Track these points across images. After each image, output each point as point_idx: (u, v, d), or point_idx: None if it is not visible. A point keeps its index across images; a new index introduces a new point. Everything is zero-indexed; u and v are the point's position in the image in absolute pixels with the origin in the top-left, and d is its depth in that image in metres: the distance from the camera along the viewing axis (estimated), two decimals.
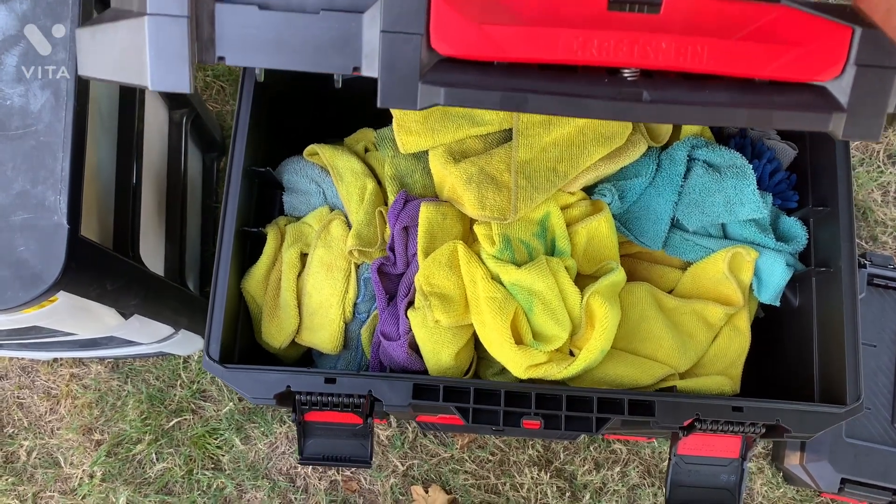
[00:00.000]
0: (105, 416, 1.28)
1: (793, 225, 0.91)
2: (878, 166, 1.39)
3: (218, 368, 0.77)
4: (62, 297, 0.76)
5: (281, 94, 0.94)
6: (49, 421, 1.28)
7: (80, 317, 0.86)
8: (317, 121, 1.03)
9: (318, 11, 0.50)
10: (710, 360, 0.90)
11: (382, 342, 0.85)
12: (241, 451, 1.27)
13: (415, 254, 0.85)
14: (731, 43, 0.50)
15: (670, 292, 0.92)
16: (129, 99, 0.94)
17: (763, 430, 0.77)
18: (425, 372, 0.85)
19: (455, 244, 0.83)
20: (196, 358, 1.29)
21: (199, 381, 1.29)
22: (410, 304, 0.85)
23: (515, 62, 0.52)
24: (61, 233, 0.73)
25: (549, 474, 1.26)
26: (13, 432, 1.28)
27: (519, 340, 0.81)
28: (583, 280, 0.87)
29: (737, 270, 0.89)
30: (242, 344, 0.87)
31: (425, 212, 0.84)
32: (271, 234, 0.91)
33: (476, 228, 0.84)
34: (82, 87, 0.76)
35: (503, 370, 0.85)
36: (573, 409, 0.77)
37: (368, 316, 0.89)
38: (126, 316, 0.94)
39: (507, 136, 0.86)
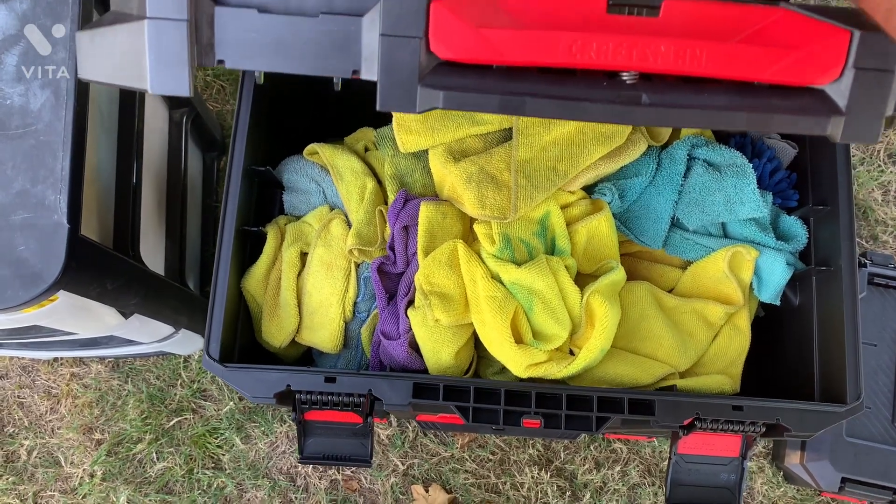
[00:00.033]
0: (105, 416, 1.28)
1: (793, 224, 0.91)
2: (879, 165, 1.39)
3: (218, 367, 0.77)
4: (62, 296, 0.76)
5: (281, 93, 0.94)
6: (49, 420, 1.28)
7: (81, 316, 0.86)
8: (317, 120, 1.03)
9: (318, 15, 0.50)
10: (710, 359, 0.89)
11: (382, 341, 0.85)
12: (242, 450, 1.27)
13: (415, 253, 0.85)
14: (730, 46, 0.50)
15: (670, 291, 0.92)
16: (130, 98, 0.94)
17: (763, 429, 0.77)
18: (425, 371, 0.85)
19: (455, 243, 0.83)
20: (196, 357, 1.29)
21: (199, 381, 1.29)
22: (410, 303, 0.85)
23: (514, 66, 0.52)
24: (61, 232, 0.73)
25: (549, 473, 1.26)
26: (14, 431, 1.28)
27: (519, 339, 0.81)
28: (583, 279, 0.87)
29: (737, 269, 0.89)
30: (242, 343, 0.87)
31: (425, 211, 0.84)
32: (271, 233, 0.91)
33: (476, 227, 0.84)
34: (82, 86, 0.76)
35: (503, 369, 0.85)
36: (573, 408, 0.77)
37: (368, 315, 0.89)
38: (126, 315, 0.94)
39: (507, 135, 0.86)
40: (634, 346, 0.87)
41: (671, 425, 0.77)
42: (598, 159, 0.84)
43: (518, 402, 0.77)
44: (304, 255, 0.91)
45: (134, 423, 1.27)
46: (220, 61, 0.51)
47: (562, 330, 0.81)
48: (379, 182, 0.92)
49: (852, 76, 0.50)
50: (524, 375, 0.81)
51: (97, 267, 0.80)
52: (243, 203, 0.85)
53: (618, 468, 1.26)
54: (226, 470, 1.26)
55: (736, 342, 0.89)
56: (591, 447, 1.27)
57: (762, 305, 0.96)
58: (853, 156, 1.38)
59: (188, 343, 1.20)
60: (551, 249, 0.86)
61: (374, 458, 1.25)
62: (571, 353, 0.84)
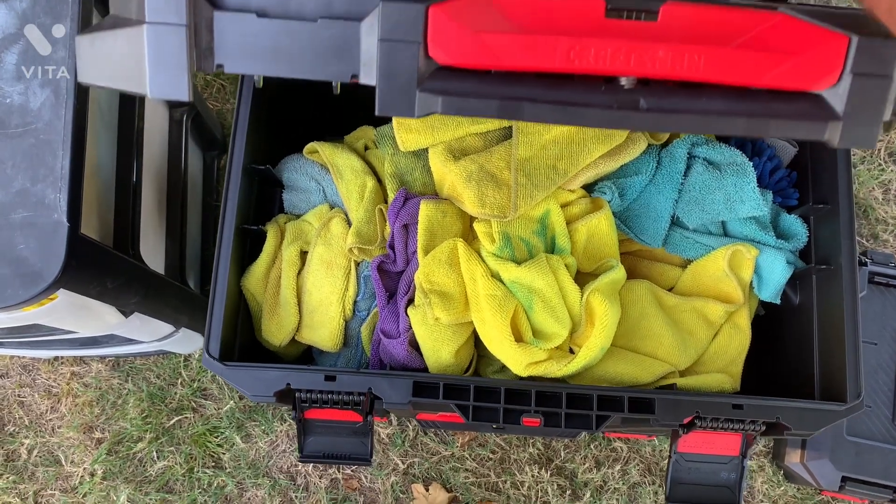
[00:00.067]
0: (106, 415, 1.28)
1: (793, 222, 0.91)
2: (879, 164, 1.39)
3: (218, 366, 0.77)
4: (62, 294, 0.76)
5: (281, 92, 0.94)
6: (50, 419, 1.28)
7: (81, 315, 0.86)
8: (317, 119, 1.03)
9: (317, 19, 0.50)
10: (710, 357, 0.89)
11: (382, 340, 0.85)
12: (242, 449, 1.27)
13: (415, 251, 0.85)
14: (728, 51, 0.50)
15: (670, 290, 0.92)
16: (130, 97, 0.94)
17: (763, 428, 0.77)
18: (425, 370, 0.85)
19: (455, 242, 0.83)
20: (197, 356, 1.29)
21: (199, 380, 1.29)
22: (410, 301, 0.85)
23: (512, 70, 0.52)
24: (61, 231, 0.73)
25: (549, 472, 1.26)
26: (14, 430, 1.28)
27: (519, 338, 0.81)
28: (583, 278, 0.87)
29: (737, 268, 0.89)
30: (242, 342, 0.87)
31: (425, 209, 0.84)
32: (271, 231, 0.91)
33: (476, 226, 0.84)
34: (82, 85, 0.76)
35: (503, 368, 0.85)
36: (573, 406, 0.77)
37: (368, 314, 0.89)
38: (126, 314, 0.94)
39: (506, 134, 0.86)
40: (634, 344, 0.87)
41: (671, 424, 0.77)
42: (598, 158, 0.84)
43: (518, 400, 0.77)
44: (303, 254, 0.91)
45: (134, 421, 1.27)
46: (220, 66, 0.51)
47: (562, 328, 0.81)
48: (379, 180, 0.92)
49: (850, 81, 0.50)
50: (524, 374, 0.81)
51: (97, 266, 0.80)
52: (243, 201, 0.85)
53: (618, 467, 1.26)
54: (226, 469, 1.26)
55: (736, 341, 0.89)
56: (592, 446, 1.27)
57: (762, 304, 0.96)
58: (853, 154, 1.38)
59: (188, 342, 1.20)
60: (551, 248, 0.86)
61: (374, 457, 1.25)
62: (571, 351, 0.84)
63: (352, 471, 1.26)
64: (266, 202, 0.98)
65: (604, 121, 0.52)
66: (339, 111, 0.97)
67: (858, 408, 0.78)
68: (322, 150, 0.92)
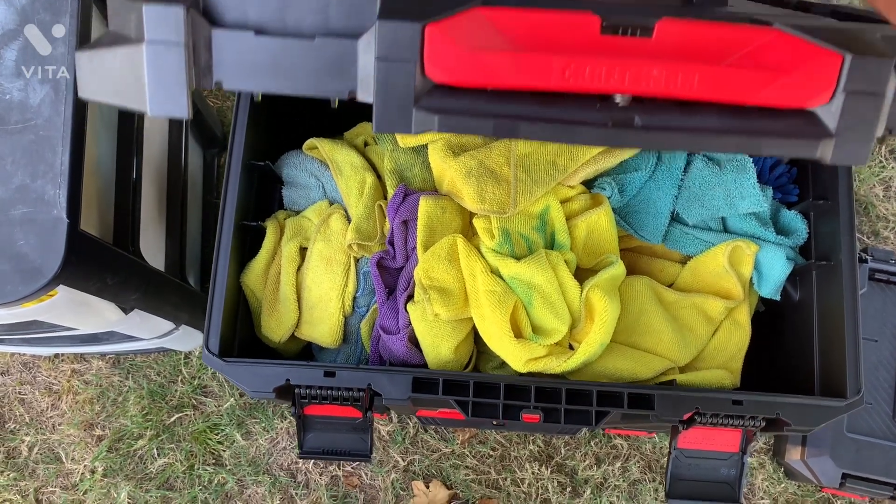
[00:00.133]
0: (106, 412, 1.28)
1: (793, 218, 0.91)
2: (880, 161, 1.39)
3: (217, 362, 0.77)
4: (62, 291, 0.76)
5: None
6: (50, 417, 1.29)
7: (80, 311, 0.86)
8: (316, 115, 1.02)
9: (314, 37, 0.51)
10: (710, 353, 0.89)
11: (382, 336, 0.85)
12: (242, 446, 1.27)
13: (414, 247, 0.85)
14: (723, 69, 0.50)
15: (670, 286, 0.92)
16: None
17: (763, 424, 0.77)
18: (425, 366, 0.85)
19: (454, 238, 0.83)
20: (197, 354, 1.29)
21: (199, 377, 1.29)
22: (410, 297, 0.85)
23: (508, 89, 0.52)
24: (61, 227, 0.73)
25: (549, 469, 1.26)
26: (15, 428, 1.28)
27: (518, 334, 0.81)
28: (582, 274, 0.87)
29: (737, 264, 0.89)
30: (242, 338, 0.87)
31: (424, 206, 0.84)
32: (271, 228, 0.91)
33: (475, 222, 0.84)
34: None
35: (503, 364, 0.85)
36: (573, 402, 0.77)
37: (368, 310, 0.89)
38: (126, 311, 0.94)
39: None
40: (634, 340, 0.87)
41: (671, 419, 0.77)
42: (598, 154, 0.83)
43: (517, 396, 0.77)
44: (303, 250, 0.91)
45: (135, 419, 1.27)
46: (218, 83, 0.52)
47: (561, 324, 0.81)
48: (378, 177, 0.92)
49: (843, 99, 0.50)
50: (523, 370, 0.81)
51: (97, 262, 0.80)
52: (243, 198, 0.85)
53: (618, 464, 1.26)
54: (226, 466, 1.26)
55: (736, 337, 0.89)
56: (592, 443, 1.27)
57: (762, 300, 0.95)
58: None
59: (189, 339, 1.20)
60: (551, 244, 0.86)
61: (374, 455, 1.25)
62: (571, 347, 0.84)
63: (352, 468, 1.26)
64: (266, 198, 0.98)
65: (599, 139, 0.53)
66: (339, 107, 0.96)
67: (858, 403, 0.78)
68: (321, 147, 0.92)
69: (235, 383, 0.77)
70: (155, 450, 1.26)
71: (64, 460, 1.27)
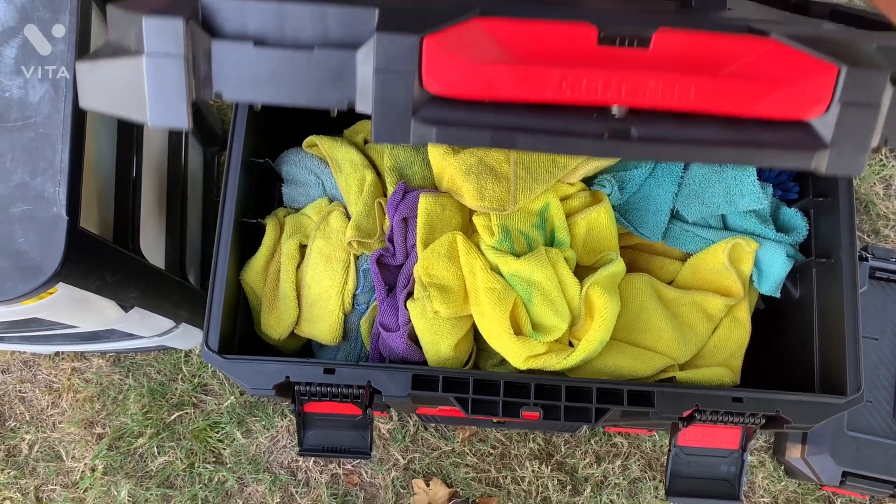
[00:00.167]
0: (106, 410, 1.28)
1: (793, 216, 0.91)
2: (881, 160, 1.39)
3: (217, 359, 0.77)
4: (61, 288, 0.76)
5: None
6: (51, 415, 1.29)
7: (80, 309, 0.86)
8: (316, 112, 1.02)
9: (313, 48, 0.51)
10: (710, 351, 0.89)
11: (382, 333, 0.85)
12: (243, 444, 1.27)
13: (414, 245, 0.85)
14: (719, 81, 0.50)
15: (670, 283, 0.92)
16: None
17: (763, 421, 0.77)
18: (424, 363, 0.85)
19: (454, 235, 0.83)
20: (197, 352, 1.30)
21: (200, 375, 1.29)
22: (410, 295, 0.85)
23: (505, 101, 0.52)
24: (60, 224, 0.73)
25: (550, 467, 1.26)
26: (15, 426, 1.28)
27: (518, 331, 0.81)
28: (582, 271, 0.87)
29: (737, 261, 0.89)
30: (242, 335, 0.87)
31: (424, 203, 0.84)
32: (270, 225, 0.91)
33: (475, 219, 0.84)
34: None
35: (503, 361, 0.85)
36: (572, 399, 0.77)
37: (368, 307, 0.89)
38: (126, 308, 0.94)
39: None
40: (634, 337, 0.87)
41: (671, 417, 0.77)
42: None
43: (517, 393, 0.77)
44: (303, 248, 0.91)
45: (135, 417, 1.27)
46: (218, 94, 0.52)
47: (561, 321, 0.81)
48: (378, 174, 0.92)
49: (839, 110, 0.50)
50: (523, 367, 0.81)
51: (96, 259, 0.80)
52: (242, 195, 0.85)
53: (618, 462, 1.26)
54: (227, 464, 1.26)
55: (736, 334, 0.89)
56: (592, 441, 1.27)
57: (762, 297, 0.95)
58: None
59: (189, 338, 1.20)
60: (551, 241, 0.86)
61: (374, 453, 1.25)
62: (571, 344, 0.84)
63: (352, 466, 1.26)
64: (265, 196, 0.98)
65: (596, 150, 0.53)
66: None
67: (858, 401, 0.78)
68: (321, 144, 0.92)
69: (235, 380, 0.77)
70: (155, 448, 1.27)
71: (64, 458, 1.27)
